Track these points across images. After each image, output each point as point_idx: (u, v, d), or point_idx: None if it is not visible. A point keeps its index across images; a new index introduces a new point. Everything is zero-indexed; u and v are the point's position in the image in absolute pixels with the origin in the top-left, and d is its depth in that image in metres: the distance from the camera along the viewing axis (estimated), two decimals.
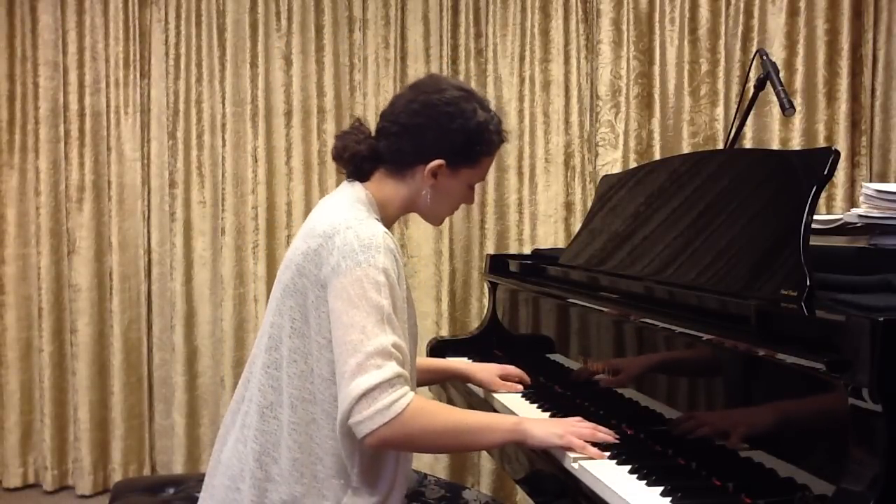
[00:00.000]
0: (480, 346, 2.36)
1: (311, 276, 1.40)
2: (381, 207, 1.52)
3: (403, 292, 1.45)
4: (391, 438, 1.32)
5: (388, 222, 1.54)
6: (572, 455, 1.41)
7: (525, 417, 1.50)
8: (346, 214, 1.43)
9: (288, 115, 3.44)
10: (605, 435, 1.45)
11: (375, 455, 1.41)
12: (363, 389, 1.30)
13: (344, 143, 1.55)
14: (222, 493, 1.47)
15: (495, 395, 1.89)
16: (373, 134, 1.55)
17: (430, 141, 1.49)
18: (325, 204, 1.52)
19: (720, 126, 3.08)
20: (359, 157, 1.53)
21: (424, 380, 1.97)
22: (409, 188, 1.53)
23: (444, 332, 3.27)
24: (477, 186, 3.56)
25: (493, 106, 1.57)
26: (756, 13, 3.04)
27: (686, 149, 3.10)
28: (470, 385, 1.99)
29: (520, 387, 1.90)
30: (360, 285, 1.34)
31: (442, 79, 1.60)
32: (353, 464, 1.40)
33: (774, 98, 1.99)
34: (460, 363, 1.99)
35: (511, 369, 1.93)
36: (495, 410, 1.85)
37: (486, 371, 1.93)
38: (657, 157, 3.08)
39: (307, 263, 1.41)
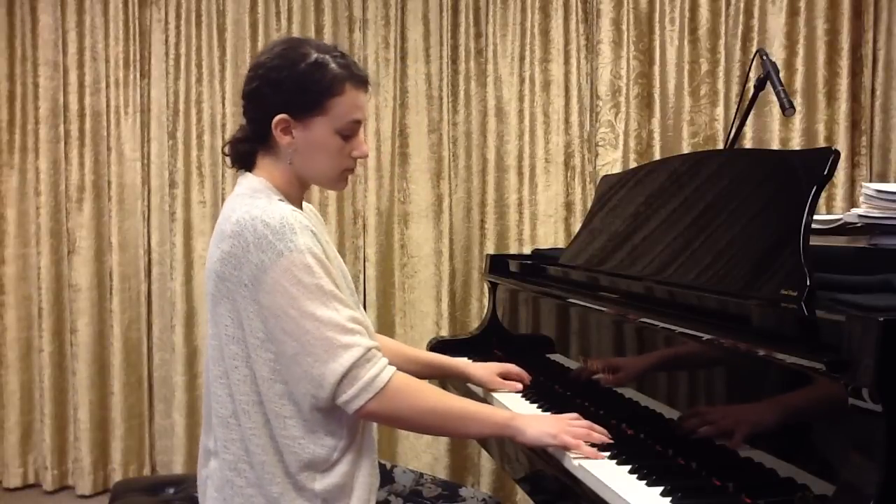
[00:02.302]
0: (480, 346, 2.36)
1: (232, 278, 1.36)
2: (279, 190, 1.46)
3: (336, 268, 1.42)
4: (379, 412, 1.36)
5: (295, 203, 1.48)
6: (572, 454, 1.41)
7: (519, 414, 1.49)
8: (247, 207, 1.38)
9: None
10: (600, 435, 1.45)
11: (333, 446, 1.40)
12: (340, 374, 1.32)
13: (230, 141, 1.52)
14: None
15: (494, 395, 1.89)
16: None
17: (268, 101, 1.43)
18: (227, 205, 1.46)
19: (720, 126, 3.08)
20: (235, 143, 1.50)
21: (423, 374, 1.98)
22: (281, 158, 1.46)
23: (444, 332, 3.28)
24: (477, 186, 3.55)
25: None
26: (756, 13, 3.04)
27: (686, 149, 3.10)
28: (469, 384, 1.99)
29: (519, 385, 1.90)
30: (290, 274, 1.32)
31: (278, 40, 1.53)
32: (306, 455, 1.39)
33: (774, 98, 1.99)
34: (460, 362, 1.98)
35: (511, 368, 1.93)
36: None
37: (486, 370, 1.92)
38: (657, 157, 3.09)
39: (225, 268, 1.37)
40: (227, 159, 1.54)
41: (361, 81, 1.47)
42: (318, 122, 1.44)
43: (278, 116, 1.42)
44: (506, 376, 1.91)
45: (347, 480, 1.43)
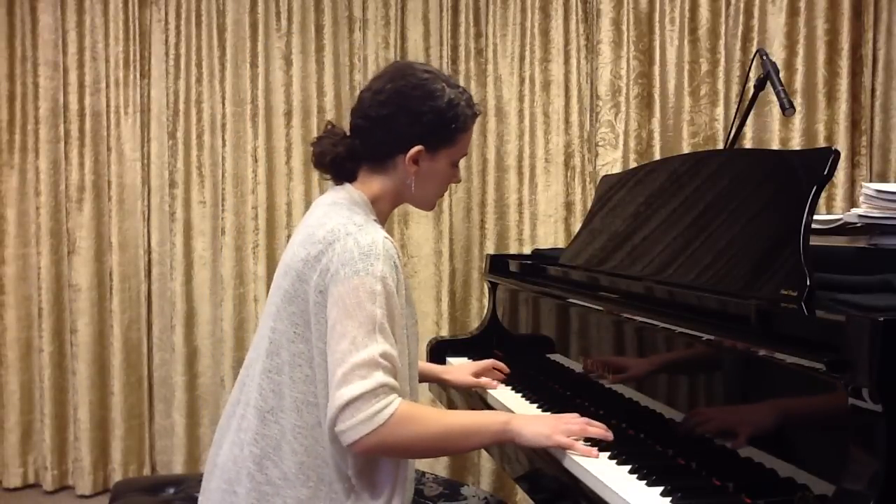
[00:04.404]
0: (480, 346, 2.36)
1: (311, 281, 1.39)
2: (373, 205, 1.51)
3: (403, 298, 1.44)
4: (377, 446, 1.33)
5: (382, 219, 1.53)
6: (571, 454, 1.41)
7: (515, 416, 1.48)
8: (344, 220, 1.42)
9: (288, 115, 3.44)
10: (597, 430, 1.44)
11: (370, 459, 1.41)
12: (346, 400, 1.30)
13: (321, 149, 1.54)
14: (218, 497, 1.46)
15: (492, 393, 1.89)
16: (348, 133, 1.55)
17: (404, 128, 1.48)
18: (321, 209, 1.49)
19: (720, 126, 3.08)
20: (339, 159, 1.52)
21: None
22: (394, 180, 1.52)
23: (444, 332, 3.28)
24: (477, 186, 3.55)
25: (460, 81, 1.55)
26: (756, 13, 3.04)
27: (686, 149, 3.10)
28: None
29: (494, 383, 1.92)
30: (355, 294, 1.34)
31: (405, 64, 1.58)
32: (346, 465, 1.40)
33: (774, 98, 1.99)
34: (436, 368, 2.00)
35: (484, 364, 1.96)
36: (493, 409, 1.85)
37: (457, 372, 1.95)
38: (657, 157, 3.09)
39: (307, 270, 1.40)
40: (323, 172, 1.56)
41: (477, 117, 1.57)
42: (444, 154, 1.52)
43: (416, 148, 1.48)
44: (480, 373, 1.93)
45: None
